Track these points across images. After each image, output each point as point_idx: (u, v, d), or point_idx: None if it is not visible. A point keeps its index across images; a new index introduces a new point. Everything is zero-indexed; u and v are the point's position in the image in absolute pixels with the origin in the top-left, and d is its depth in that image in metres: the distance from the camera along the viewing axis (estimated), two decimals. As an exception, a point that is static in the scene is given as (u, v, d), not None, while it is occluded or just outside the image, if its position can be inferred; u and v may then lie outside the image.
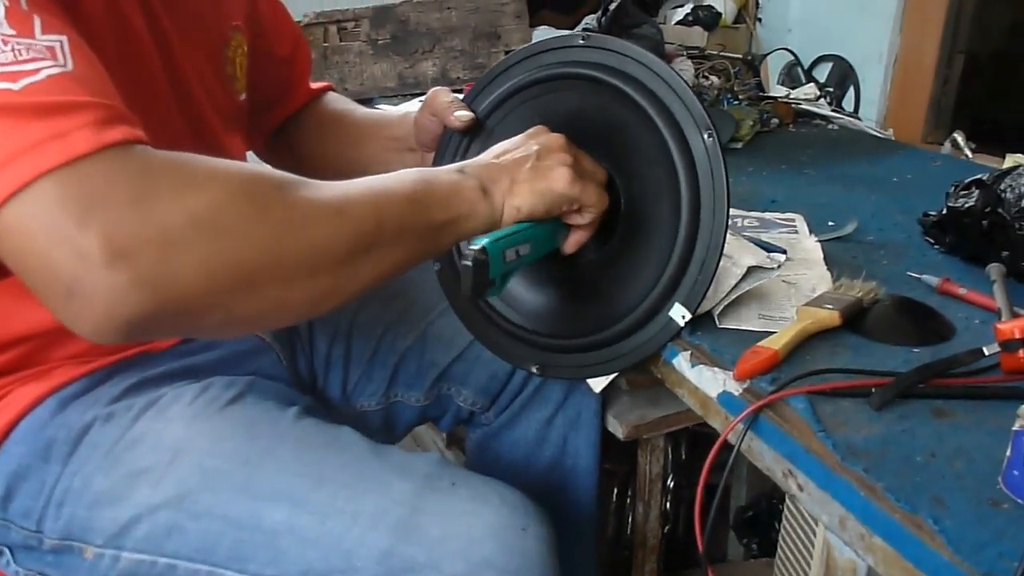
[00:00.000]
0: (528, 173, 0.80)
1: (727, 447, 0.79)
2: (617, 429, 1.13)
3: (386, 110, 1.14)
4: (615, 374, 0.94)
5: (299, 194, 0.67)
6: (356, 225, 0.68)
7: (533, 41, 2.20)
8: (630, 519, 1.47)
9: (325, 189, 0.69)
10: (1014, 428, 0.62)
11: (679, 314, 0.86)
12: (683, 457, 1.58)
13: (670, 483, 1.46)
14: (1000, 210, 1.00)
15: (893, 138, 1.80)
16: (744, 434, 0.76)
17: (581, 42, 0.93)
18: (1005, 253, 1.00)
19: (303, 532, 0.79)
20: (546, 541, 0.82)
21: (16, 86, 0.60)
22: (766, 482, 0.79)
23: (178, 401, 0.88)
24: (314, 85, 1.25)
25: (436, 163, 1.00)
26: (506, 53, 2.31)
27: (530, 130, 0.85)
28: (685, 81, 0.87)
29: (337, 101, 1.23)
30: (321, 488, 0.81)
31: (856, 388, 0.77)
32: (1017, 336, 0.77)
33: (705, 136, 0.85)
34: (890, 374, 0.78)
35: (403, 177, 0.75)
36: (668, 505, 1.46)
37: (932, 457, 0.68)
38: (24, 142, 0.58)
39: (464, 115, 0.96)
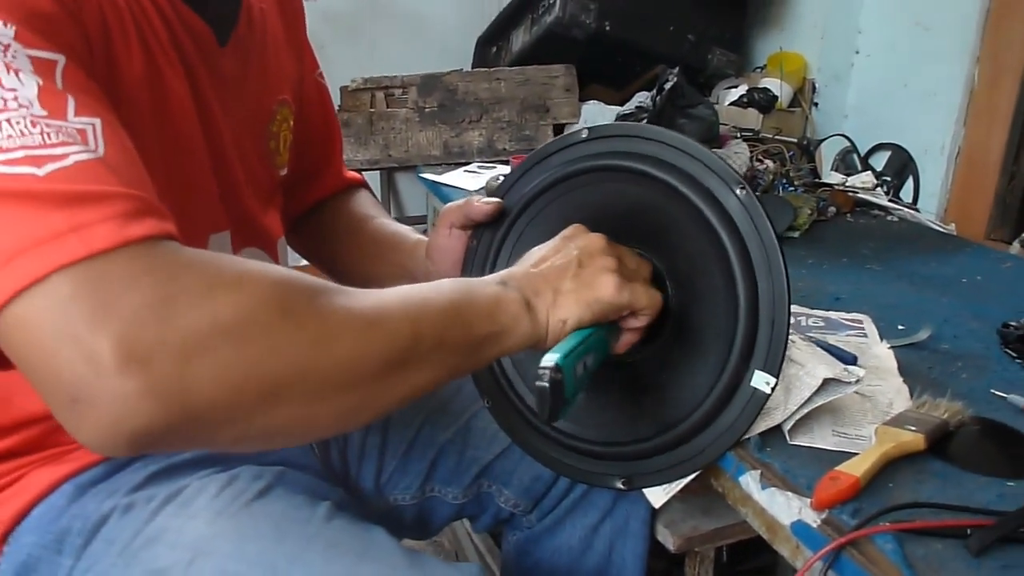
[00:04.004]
0: (572, 283, 0.74)
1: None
2: (668, 540, 1.05)
3: (403, 231, 1.10)
4: (697, 473, 0.85)
5: (332, 304, 0.61)
6: (391, 338, 0.63)
7: (581, 116, 2.19)
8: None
9: (360, 298, 0.64)
10: None
11: (763, 381, 0.79)
12: (724, 559, 1.49)
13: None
14: (1095, 328, 0.93)
15: (955, 233, 1.73)
16: (824, 574, 0.69)
17: (585, 135, 0.90)
18: (1099, 375, 0.92)
19: None
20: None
21: (40, 171, 0.56)
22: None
23: (202, 494, 0.82)
24: (347, 173, 1.22)
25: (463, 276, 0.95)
26: (554, 126, 2.30)
27: (566, 231, 0.80)
28: (703, 145, 0.83)
29: (363, 203, 1.19)
30: (351, 601, 0.74)
31: (950, 528, 0.69)
32: None
33: (737, 191, 0.80)
34: (986, 512, 0.71)
35: (441, 287, 0.70)
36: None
37: (1044, 621, 0.60)
38: (42, 233, 0.54)
39: (490, 199, 0.93)
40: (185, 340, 0.53)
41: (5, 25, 0.61)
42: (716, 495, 0.89)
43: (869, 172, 2.00)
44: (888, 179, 2.00)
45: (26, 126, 0.58)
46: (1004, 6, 1.77)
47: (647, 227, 0.85)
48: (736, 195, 0.80)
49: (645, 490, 0.89)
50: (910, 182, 1.99)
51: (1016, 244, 1.59)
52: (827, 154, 2.17)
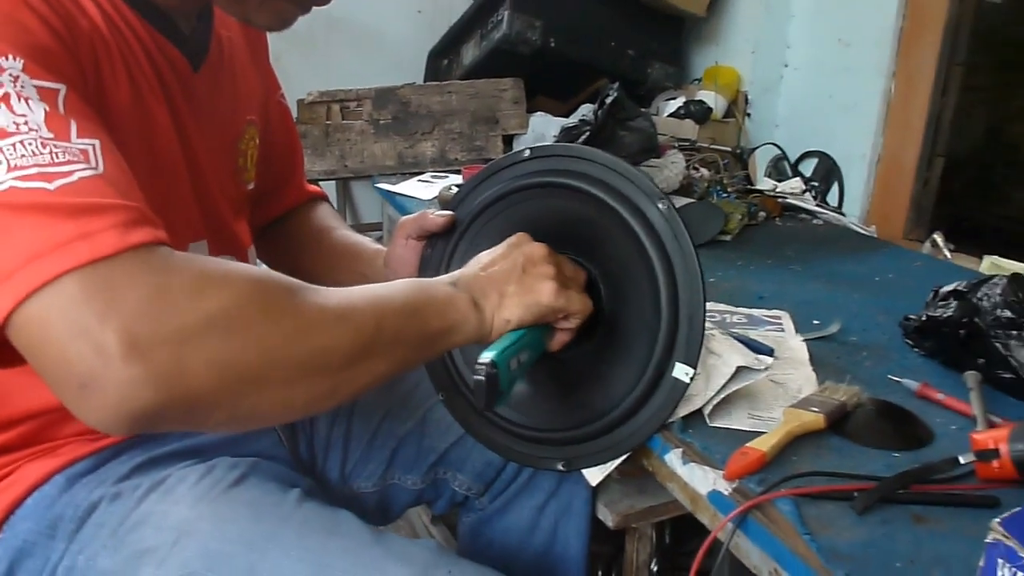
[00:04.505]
0: (516, 287, 0.85)
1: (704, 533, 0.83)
2: (607, 517, 1.16)
3: (362, 241, 1.20)
4: (628, 455, 0.96)
5: (307, 300, 0.71)
6: (357, 332, 0.73)
7: (529, 127, 2.28)
8: (614, 603, 1.49)
9: (330, 295, 0.73)
10: (987, 540, 0.65)
11: (683, 372, 0.90)
12: (667, 542, 1.60)
13: (654, 567, 1.48)
14: (976, 319, 1.05)
15: (876, 235, 1.86)
16: (733, 533, 0.80)
17: (527, 155, 1.01)
18: (981, 361, 1.05)
19: None
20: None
21: (51, 186, 0.65)
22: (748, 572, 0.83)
23: (183, 482, 0.90)
24: (308, 187, 1.32)
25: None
26: (503, 137, 2.40)
27: (512, 239, 0.90)
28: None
29: (324, 215, 1.29)
30: (323, 573, 0.83)
31: (840, 492, 0.81)
32: (991, 446, 0.81)
33: (659, 205, 0.91)
34: (872, 478, 0.82)
35: (400, 286, 0.80)
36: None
37: (911, 563, 0.72)
38: (53, 240, 0.62)
39: (443, 212, 1.03)
40: (179, 333, 0.62)
41: (14, 59, 0.69)
42: (651, 476, 1.00)
43: (798, 178, 2.13)
44: (816, 185, 2.13)
45: (37, 147, 0.66)
46: (915, 25, 1.92)
47: (582, 237, 0.96)
48: (658, 208, 0.91)
49: (584, 471, 0.99)
50: (836, 187, 2.13)
51: (928, 244, 1.73)
52: (761, 161, 2.30)
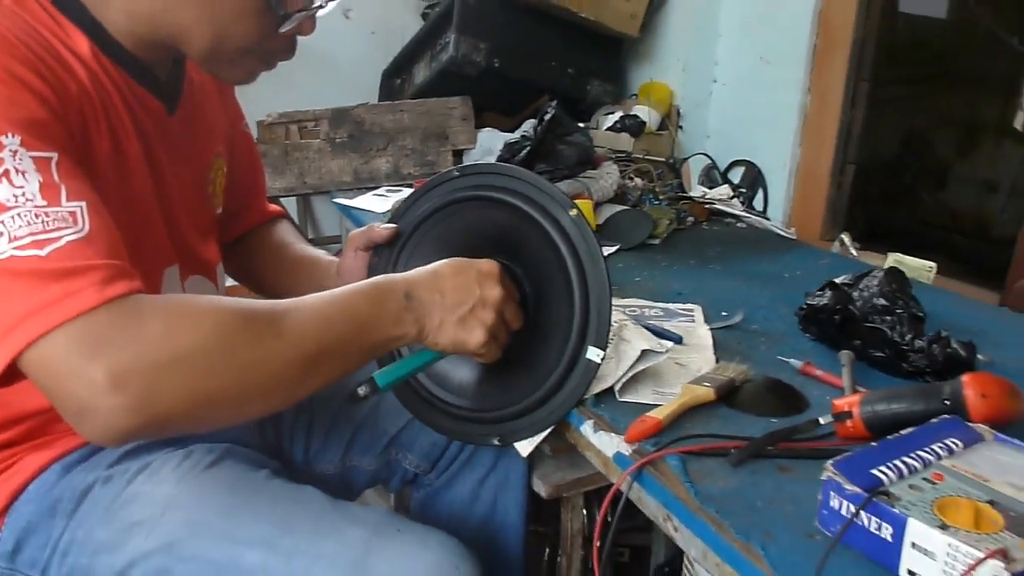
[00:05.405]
0: (456, 322, 0.98)
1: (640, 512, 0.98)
2: (541, 488, 1.31)
3: (317, 254, 1.35)
4: (552, 427, 1.10)
5: (262, 330, 0.84)
6: (305, 357, 0.87)
7: (478, 142, 2.43)
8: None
9: (286, 321, 0.86)
10: (822, 478, 0.82)
11: (595, 354, 1.05)
12: (609, 519, 1.75)
13: (597, 543, 1.63)
14: (851, 307, 1.22)
15: (795, 237, 2.02)
16: (631, 486, 0.96)
17: (456, 174, 1.17)
18: (857, 342, 1.22)
19: (274, 570, 0.95)
20: (476, 578, 0.99)
21: (43, 252, 0.78)
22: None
23: (166, 465, 1.04)
24: (270, 207, 1.46)
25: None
26: (453, 152, 2.55)
27: (487, 268, 1.01)
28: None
29: (283, 232, 1.43)
30: (289, 534, 0.97)
31: (719, 449, 0.97)
32: (846, 409, 0.98)
33: (570, 212, 1.07)
34: (748, 439, 0.98)
35: (355, 299, 0.93)
36: (595, 563, 1.62)
37: (770, 503, 0.88)
38: (45, 300, 0.76)
39: (387, 225, 1.19)
40: (151, 368, 0.77)
41: (13, 136, 0.81)
42: (580, 453, 1.15)
43: (726, 185, 2.30)
44: (743, 191, 2.30)
45: (31, 217, 0.79)
46: (826, 45, 2.11)
47: (510, 242, 1.11)
48: (569, 215, 1.07)
49: (516, 444, 1.15)
50: (761, 193, 2.31)
51: (836, 244, 1.90)
52: (695, 170, 2.47)
